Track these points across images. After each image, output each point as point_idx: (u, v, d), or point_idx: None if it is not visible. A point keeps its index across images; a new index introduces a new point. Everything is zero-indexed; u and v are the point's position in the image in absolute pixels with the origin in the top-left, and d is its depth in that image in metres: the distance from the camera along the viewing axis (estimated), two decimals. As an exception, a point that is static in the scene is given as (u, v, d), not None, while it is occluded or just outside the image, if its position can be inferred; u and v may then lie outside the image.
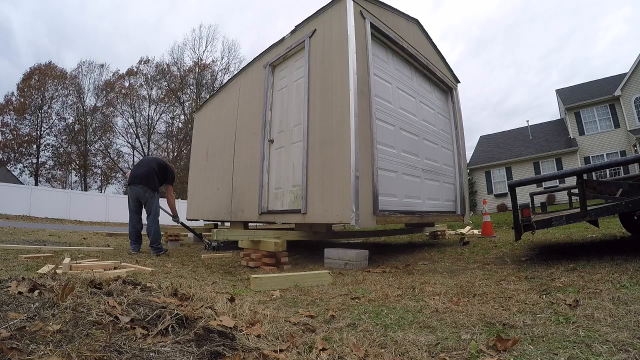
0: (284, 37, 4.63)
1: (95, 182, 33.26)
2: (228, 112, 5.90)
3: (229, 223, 5.96)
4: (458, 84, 6.08)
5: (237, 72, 6.33)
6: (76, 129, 31.13)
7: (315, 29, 4.07)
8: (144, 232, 4.64)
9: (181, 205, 7.78)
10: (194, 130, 8.10)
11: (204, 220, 7.01)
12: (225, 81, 6.67)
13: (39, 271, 2.45)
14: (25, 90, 30.21)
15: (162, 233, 4.75)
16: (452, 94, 5.85)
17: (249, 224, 5.41)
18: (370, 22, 3.93)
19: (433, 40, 5.49)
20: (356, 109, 3.44)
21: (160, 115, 33.96)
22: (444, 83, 5.65)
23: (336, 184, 3.46)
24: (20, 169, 29.98)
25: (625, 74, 18.43)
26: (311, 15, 4.17)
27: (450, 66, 5.90)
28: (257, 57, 5.24)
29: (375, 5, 4.11)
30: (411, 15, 4.98)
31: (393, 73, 4.45)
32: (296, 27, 4.40)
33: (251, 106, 5.14)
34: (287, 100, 4.47)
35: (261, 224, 4.69)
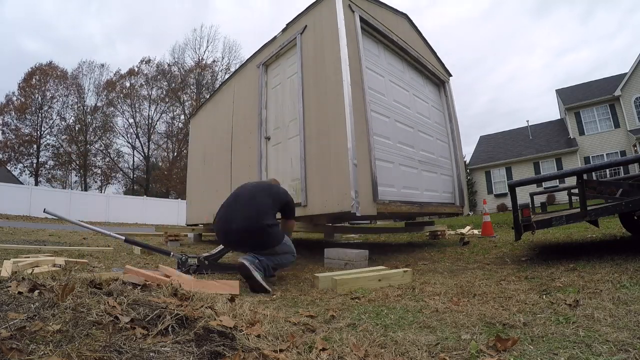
0: (275, 36, 4.65)
1: (96, 182, 33.32)
2: (224, 113, 5.91)
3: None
4: (450, 77, 6.11)
5: (231, 74, 6.33)
6: (76, 129, 31.18)
7: (306, 25, 4.11)
8: None
9: (181, 206, 7.69)
10: (191, 136, 8.05)
11: (204, 225, 6.95)
12: (221, 83, 6.72)
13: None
14: (27, 89, 30.25)
15: (161, 233, 4.50)
16: (445, 87, 5.88)
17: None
18: (360, 16, 3.98)
19: (423, 34, 5.52)
20: (350, 99, 3.48)
21: (161, 115, 34.05)
22: (436, 76, 5.69)
23: (335, 174, 3.48)
24: (20, 169, 30.05)
25: (625, 74, 18.42)
26: (301, 12, 4.22)
27: (442, 60, 5.92)
28: (249, 57, 5.26)
29: None
30: (400, 9, 5.01)
31: (385, 66, 4.50)
32: (287, 24, 4.42)
33: (246, 106, 5.17)
34: (281, 97, 4.51)
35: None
